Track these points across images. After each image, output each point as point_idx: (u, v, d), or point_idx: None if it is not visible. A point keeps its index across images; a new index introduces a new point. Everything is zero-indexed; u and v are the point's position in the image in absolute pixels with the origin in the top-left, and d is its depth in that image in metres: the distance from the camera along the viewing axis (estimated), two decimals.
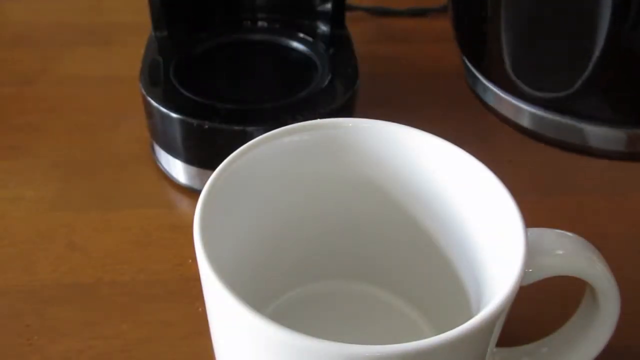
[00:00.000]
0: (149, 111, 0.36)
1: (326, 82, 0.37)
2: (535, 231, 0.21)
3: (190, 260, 0.33)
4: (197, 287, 0.20)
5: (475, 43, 0.42)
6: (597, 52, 0.34)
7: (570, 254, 0.22)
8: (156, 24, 0.40)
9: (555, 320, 0.25)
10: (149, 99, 0.35)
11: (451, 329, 0.17)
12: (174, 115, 0.34)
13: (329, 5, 0.41)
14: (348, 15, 0.43)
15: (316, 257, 0.28)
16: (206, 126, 0.34)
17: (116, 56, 0.49)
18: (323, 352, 0.17)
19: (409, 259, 0.27)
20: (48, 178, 0.38)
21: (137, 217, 0.35)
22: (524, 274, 0.19)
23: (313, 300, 0.29)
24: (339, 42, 0.41)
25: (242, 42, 0.42)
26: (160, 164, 0.38)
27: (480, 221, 0.23)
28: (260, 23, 0.44)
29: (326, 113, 0.35)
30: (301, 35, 0.42)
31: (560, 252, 0.22)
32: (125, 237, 0.34)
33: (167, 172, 0.38)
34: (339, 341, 0.17)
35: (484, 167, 0.23)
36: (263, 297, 0.27)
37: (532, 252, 0.20)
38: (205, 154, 0.36)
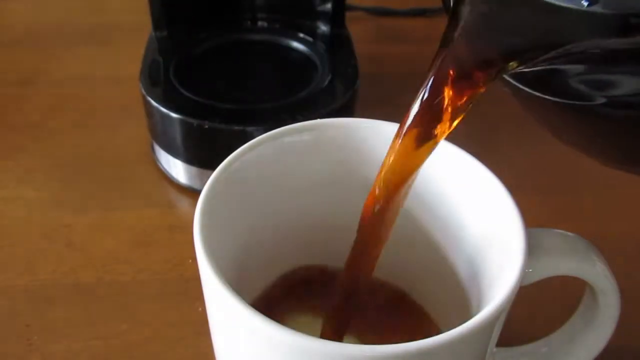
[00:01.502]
0: (149, 111, 0.36)
1: (326, 82, 0.37)
2: (535, 231, 0.21)
3: (190, 260, 0.33)
4: (197, 287, 0.20)
5: None
6: None
7: (570, 254, 0.22)
8: (156, 24, 0.40)
9: (555, 320, 0.25)
10: (149, 99, 0.35)
11: (451, 329, 0.17)
12: (174, 115, 0.34)
13: (329, 5, 0.41)
14: (348, 15, 0.43)
15: (316, 257, 0.28)
16: (206, 126, 0.34)
17: (116, 56, 0.49)
18: (323, 352, 0.17)
19: (408, 258, 0.27)
20: (48, 178, 0.38)
21: (137, 217, 0.35)
22: (524, 274, 0.19)
23: None
24: (339, 42, 0.41)
25: (242, 42, 0.42)
26: (160, 164, 0.38)
27: (480, 221, 0.23)
28: (260, 23, 0.44)
29: (326, 113, 0.35)
30: (301, 35, 0.42)
31: (560, 252, 0.22)
32: (125, 237, 0.34)
33: (167, 172, 0.38)
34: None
35: (484, 167, 0.23)
36: None
37: (532, 252, 0.20)
38: (205, 154, 0.36)
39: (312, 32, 0.42)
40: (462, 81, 0.17)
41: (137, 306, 0.30)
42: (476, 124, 0.43)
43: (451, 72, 0.18)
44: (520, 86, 0.18)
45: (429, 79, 0.18)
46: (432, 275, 0.27)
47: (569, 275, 0.21)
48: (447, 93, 0.18)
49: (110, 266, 0.32)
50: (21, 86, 0.46)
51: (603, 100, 0.17)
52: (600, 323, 0.23)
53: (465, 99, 0.18)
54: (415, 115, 0.18)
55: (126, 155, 0.40)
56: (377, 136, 0.25)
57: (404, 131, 0.19)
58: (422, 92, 0.18)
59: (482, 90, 0.17)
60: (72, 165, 0.39)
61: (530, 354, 0.25)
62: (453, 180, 0.24)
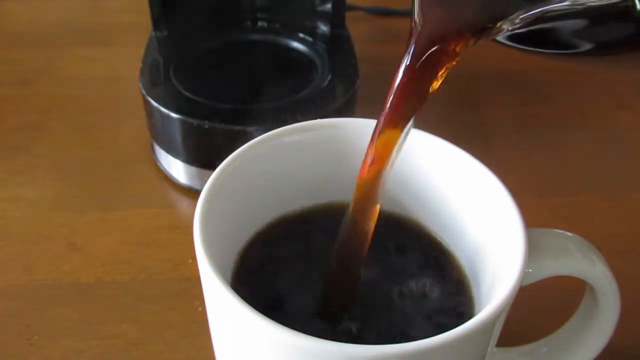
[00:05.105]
0: (149, 111, 0.36)
1: (326, 82, 0.37)
2: (535, 231, 0.21)
3: (190, 260, 0.33)
4: (197, 287, 0.20)
5: None
6: None
7: (570, 254, 0.22)
8: (156, 24, 0.40)
9: (555, 320, 0.25)
10: (149, 99, 0.35)
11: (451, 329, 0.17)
12: (174, 115, 0.34)
13: (329, 5, 0.41)
14: (348, 15, 0.43)
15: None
16: (206, 126, 0.34)
17: (116, 56, 0.49)
18: (323, 352, 0.17)
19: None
20: (48, 178, 0.38)
21: (137, 217, 0.35)
22: (524, 274, 0.19)
23: None
24: (339, 42, 0.41)
25: (242, 42, 0.42)
26: (160, 164, 0.38)
27: (480, 221, 0.23)
28: (260, 23, 0.44)
29: (326, 113, 0.35)
30: (301, 35, 0.42)
31: (560, 252, 0.22)
32: (125, 237, 0.34)
33: (167, 172, 0.38)
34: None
35: (484, 167, 0.23)
36: None
37: (532, 252, 0.20)
38: (205, 154, 0.36)
39: (312, 32, 0.42)
40: (440, 53, 0.19)
41: (137, 306, 0.30)
42: (477, 125, 0.43)
43: (429, 47, 0.19)
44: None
45: (407, 56, 0.20)
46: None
47: (569, 275, 0.21)
48: (427, 67, 0.19)
49: (110, 266, 0.32)
50: (21, 86, 0.46)
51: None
52: (600, 323, 0.23)
53: (443, 69, 0.19)
54: (398, 85, 0.20)
55: (126, 155, 0.40)
56: None
57: (393, 94, 0.20)
58: (402, 67, 0.20)
59: (457, 60, 0.19)
60: (72, 165, 0.39)
61: (530, 354, 0.25)
62: (454, 181, 0.24)
